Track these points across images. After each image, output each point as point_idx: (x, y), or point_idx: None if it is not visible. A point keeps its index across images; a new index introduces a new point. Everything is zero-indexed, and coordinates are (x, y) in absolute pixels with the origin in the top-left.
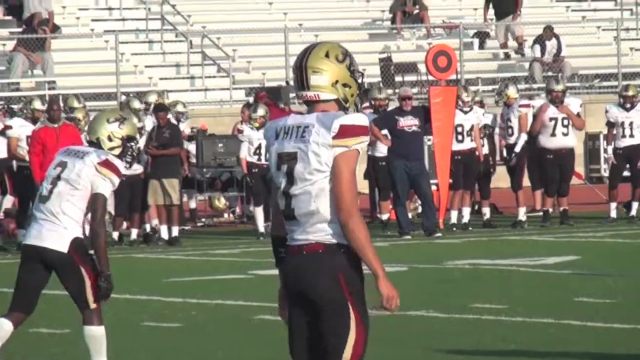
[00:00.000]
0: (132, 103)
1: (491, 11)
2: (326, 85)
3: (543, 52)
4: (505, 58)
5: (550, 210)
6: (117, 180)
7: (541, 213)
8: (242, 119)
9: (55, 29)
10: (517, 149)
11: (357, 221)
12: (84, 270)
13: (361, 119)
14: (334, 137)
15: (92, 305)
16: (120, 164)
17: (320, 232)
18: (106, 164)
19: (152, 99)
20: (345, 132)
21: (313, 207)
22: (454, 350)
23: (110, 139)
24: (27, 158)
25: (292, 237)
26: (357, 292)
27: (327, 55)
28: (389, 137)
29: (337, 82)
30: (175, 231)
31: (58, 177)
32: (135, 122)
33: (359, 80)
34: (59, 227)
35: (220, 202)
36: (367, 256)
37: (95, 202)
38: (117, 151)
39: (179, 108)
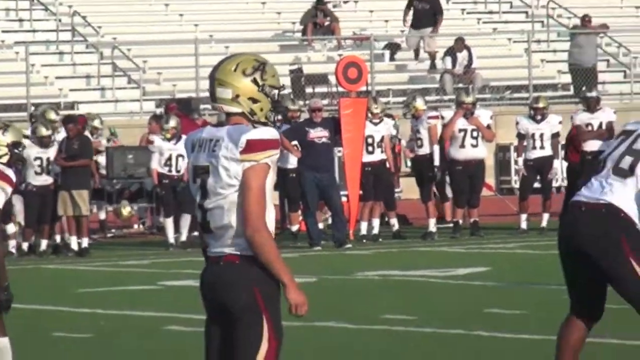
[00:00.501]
0: (48, 114)
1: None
2: (228, 100)
3: (454, 63)
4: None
5: (461, 221)
6: (9, 190)
7: (451, 224)
8: (149, 131)
9: None
10: (437, 162)
11: (263, 235)
12: None
13: (269, 132)
14: (241, 152)
15: None
16: (11, 173)
17: (236, 246)
18: None
19: (53, 115)
20: (253, 146)
21: (226, 221)
22: None
23: None
24: None
25: (210, 249)
26: (272, 304)
27: (235, 69)
28: (299, 148)
29: (238, 96)
30: (85, 242)
31: None
32: (19, 128)
33: (271, 95)
34: None
35: (126, 210)
36: (275, 268)
37: None
38: (4, 159)
39: (96, 123)
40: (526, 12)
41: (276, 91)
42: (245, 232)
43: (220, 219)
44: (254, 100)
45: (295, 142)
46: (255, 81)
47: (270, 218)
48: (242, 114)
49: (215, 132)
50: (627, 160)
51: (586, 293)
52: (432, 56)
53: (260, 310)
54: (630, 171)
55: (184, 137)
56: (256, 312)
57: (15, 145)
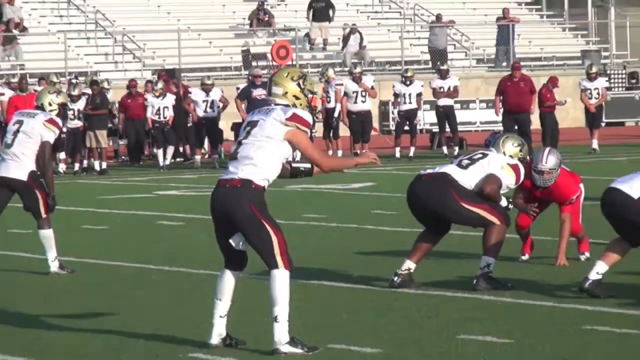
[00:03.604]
0: (79, 80)
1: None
2: (279, 95)
3: (346, 43)
4: (312, 49)
5: (359, 151)
6: (57, 131)
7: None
8: (145, 89)
9: (24, 29)
10: (336, 114)
11: (329, 162)
12: (38, 192)
13: (308, 116)
14: (287, 119)
15: (44, 215)
16: (59, 121)
17: (246, 170)
18: (51, 121)
19: (82, 79)
20: (295, 118)
21: (251, 153)
22: None
23: (50, 105)
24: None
25: (226, 172)
26: (264, 210)
27: (287, 75)
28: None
29: (286, 93)
30: (104, 165)
31: (17, 131)
32: (66, 94)
33: (308, 96)
34: (20, 163)
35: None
36: (344, 165)
37: (43, 147)
38: (55, 113)
39: (105, 85)
40: (400, 12)
41: (311, 95)
42: (321, 168)
43: (248, 150)
44: (296, 98)
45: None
46: (299, 85)
47: (276, 172)
48: (287, 105)
49: (271, 106)
50: (465, 162)
51: (435, 228)
52: (325, 42)
53: (257, 217)
54: (465, 167)
55: (168, 94)
56: (255, 219)
57: (63, 105)
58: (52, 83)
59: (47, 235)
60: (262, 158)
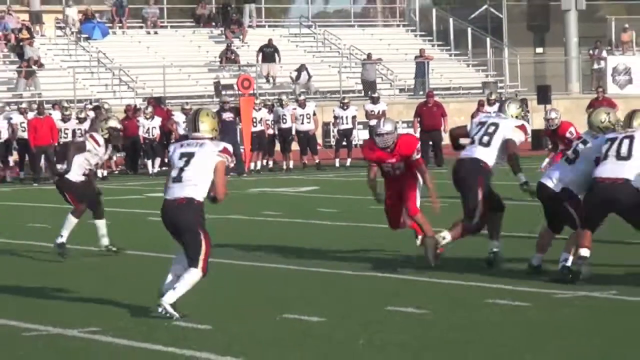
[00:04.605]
0: (88, 106)
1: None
2: (206, 130)
3: (299, 77)
4: (268, 81)
5: (306, 162)
6: (96, 146)
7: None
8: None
9: (41, 65)
10: (293, 132)
11: (223, 192)
12: (66, 193)
13: (231, 147)
14: (219, 151)
15: (75, 207)
16: (100, 139)
17: (189, 190)
18: (91, 137)
19: (90, 106)
20: (225, 151)
21: (191, 176)
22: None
23: (102, 130)
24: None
25: (172, 192)
26: (202, 223)
27: (208, 115)
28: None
29: (212, 129)
30: (105, 173)
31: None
32: (116, 119)
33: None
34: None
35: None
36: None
37: (75, 143)
38: (106, 136)
39: (106, 106)
40: (338, 51)
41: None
42: (217, 194)
43: (189, 175)
44: (215, 130)
45: None
46: (216, 120)
47: (207, 189)
48: (210, 138)
49: (199, 141)
50: (486, 138)
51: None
52: (274, 78)
53: (197, 228)
54: (488, 144)
55: (156, 117)
56: (195, 229)
57: (113, 129)
58: (64, 108)
59: (71, 220)
60: (200, 180)
